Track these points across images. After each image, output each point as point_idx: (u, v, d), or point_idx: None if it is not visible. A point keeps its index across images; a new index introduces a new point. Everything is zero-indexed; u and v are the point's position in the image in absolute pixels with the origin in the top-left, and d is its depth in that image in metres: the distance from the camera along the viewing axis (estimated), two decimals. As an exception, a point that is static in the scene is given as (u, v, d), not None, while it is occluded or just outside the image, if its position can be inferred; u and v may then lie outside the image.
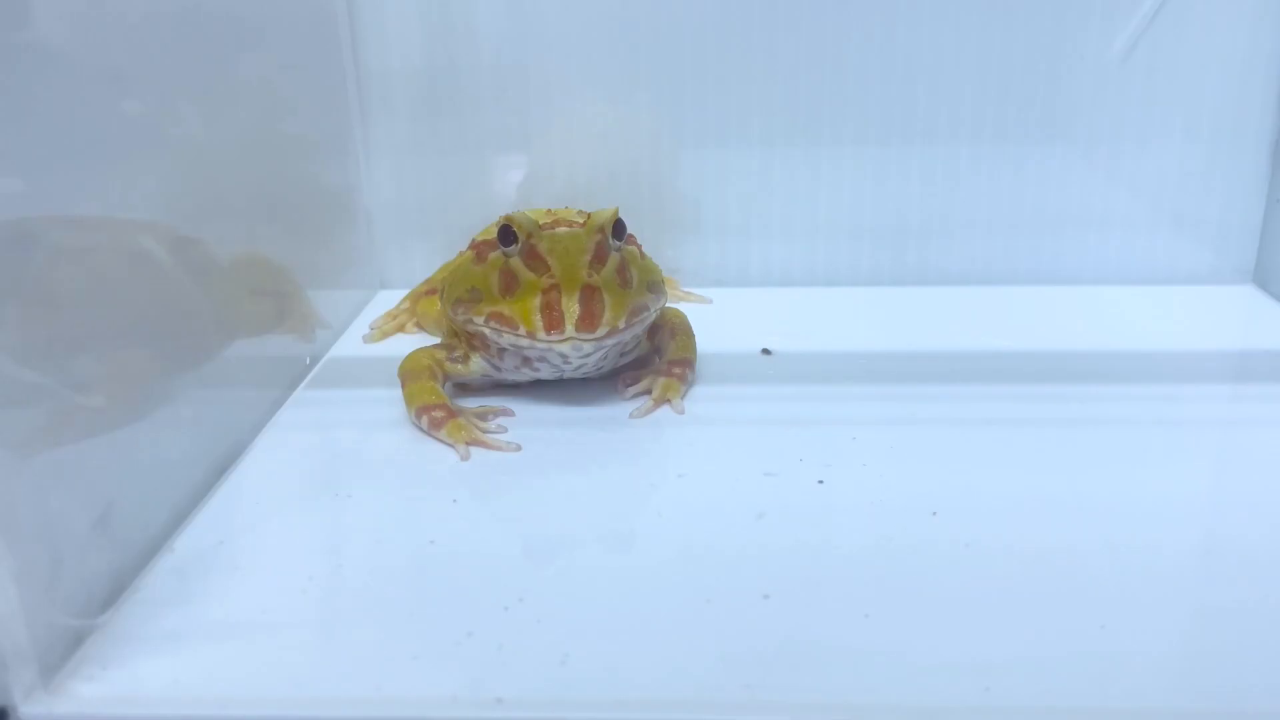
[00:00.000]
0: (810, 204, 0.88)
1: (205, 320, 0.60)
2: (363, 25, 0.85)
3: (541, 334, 0.60)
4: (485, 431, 0.63)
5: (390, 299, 0.87)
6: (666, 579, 0.48)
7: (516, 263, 0.62)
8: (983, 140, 0.86)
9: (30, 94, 0.45)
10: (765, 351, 0.76)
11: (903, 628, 0.44)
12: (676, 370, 0.69)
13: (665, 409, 0.66)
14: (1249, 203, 0.87)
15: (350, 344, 0.81)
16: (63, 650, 0.44)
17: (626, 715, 0.40)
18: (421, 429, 0.64)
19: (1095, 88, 0.84)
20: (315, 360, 0.76)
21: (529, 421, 0.65)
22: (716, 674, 0.42)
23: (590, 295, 0.60)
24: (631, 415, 0.66)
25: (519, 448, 0.62)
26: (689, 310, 0.79)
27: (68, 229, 0.48)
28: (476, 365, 0.67)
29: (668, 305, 0.73)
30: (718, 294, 0.89)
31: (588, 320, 0.60)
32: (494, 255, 0.63)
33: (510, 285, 0.62)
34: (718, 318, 0.83)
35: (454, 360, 0.67)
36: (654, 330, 0.71)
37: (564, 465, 0.60)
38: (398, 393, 0.66)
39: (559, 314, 0.60)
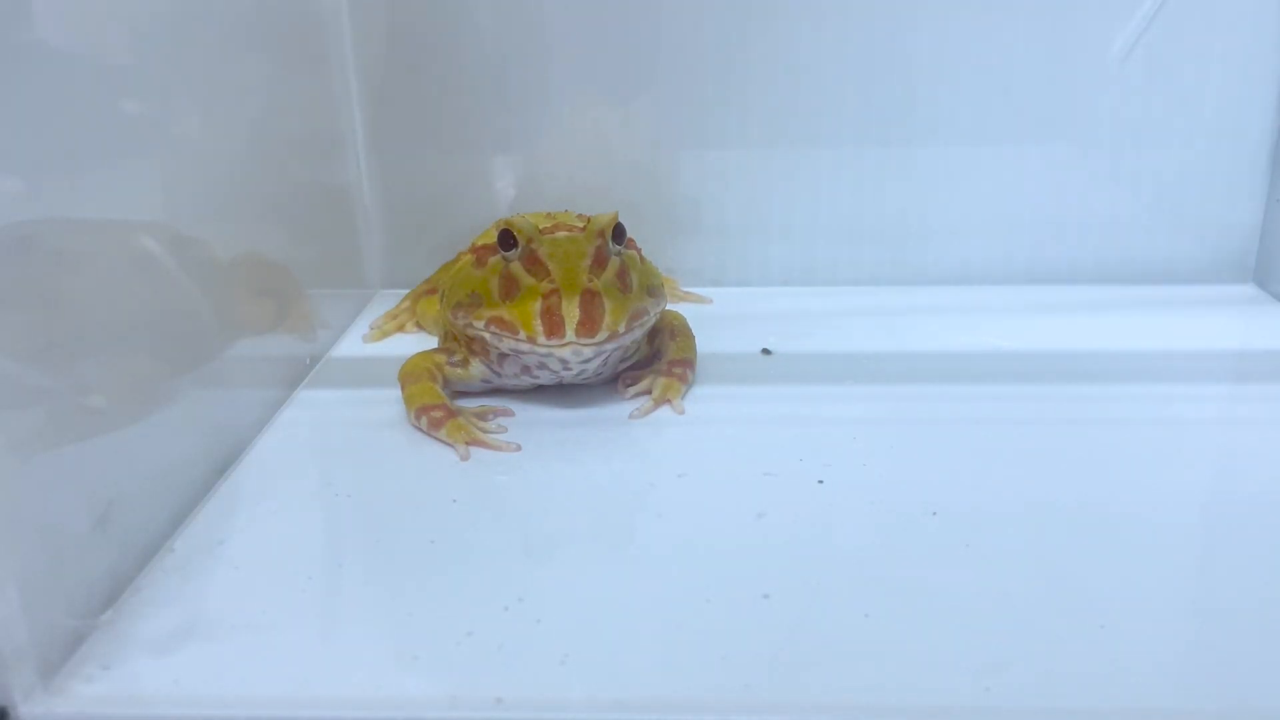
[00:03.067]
0: (810, 204, 0.88)
1: (206, 320, 0.60)
2: (363, 25, 0.85)
3: (542, 338, 0.60)
4: (485, 431, 0.63)
5: (390, 299, 0.87)
6: (666, 579, 0.48)
7: (517, 267, 0.62)
8: (982, 140, 0.86)
9: (30, 94, 0.45)
10: (765, 351, 0.76)
11: (903, 628, 0.44)
12: (677, 370, 0.69)
13: (665, 409, 0.66)
14: (1249, 203, 0.87)
15: (350, 344, 0.81)
16: (63, 650, 0.44)
17: (626, 715, 0.40)
18: (421, 430, 0.64)
19: (1095, 88, 0.84)
20: (315, 360, 0.76)
21: (528, 422, 0.65)
22: (716, 674, 0.42)
23: (590, 300, 0.60)
24: (631, 416, 0.66)
25: (518, 447, 0.62)
26: (689, 310, 0.79)
27: (68, 231, 0.48)
28: (476, 370, 0.67)
29: (667, 307, 0.73)
30: (718, 294, 0.89)
31: (588, 325, 0.60)
32: (494, 260, 0.63)
33: (510, 290, 0.62)
34: (718, 318, 0.83)
35: (453, 364, 0.67)
36: (654, 333, 0.71)
37: (564, 465, 0.60)
38: (398, 393, 0.66)
39: (559, 318, 0.60)
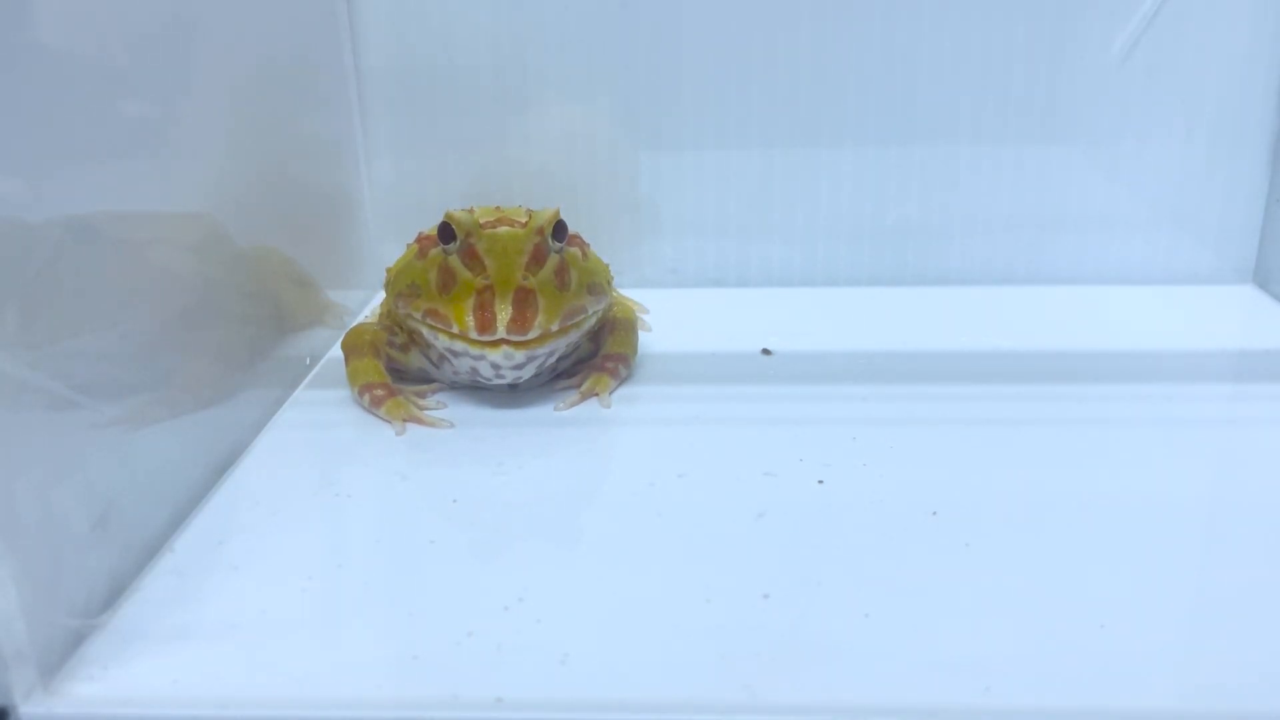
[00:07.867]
0: (810, 204, 0.88)
1: (207, 318, 0.60)
2: (363, 25, 0.85)
3: (474, 333, 0.60)
4: (423, 409, 0.65)
5: (390, 299, 0.87)
6: (666, 579, 0.48)
7: (454, 261, 0.62)
8: (983, 140, 0.86)
9: (30, 94, 0.45)
10: (765, 351, 0.76)
11: (903, 628, 0.44)
12: (609, 365, 0.69)
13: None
14: (1249, 203, 0.87)
15: (350, 344, 0.81)
16: (63, 650, 0.44)
17: (626, 715, 0.40)
18: (364, 407, 0.66)
19: (1095, 88, 0.84)
20: (315, 360, 0.76)
21: (527, 422, 0.65)
22: (716, 674, 0.42)
23: (524, 297, 0.60)
24: (556, 408, 0.66)
25: (453, 425, 0.63)
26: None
27: (71, 228, 0.48)
28: (415, 359, 0.69)
29: (629, 300, 0.73)
30: (718, 294, 0.89)
31: (519, 322, 0.60)
32: (434, 252, 0.64)
33: (447, 283, 0.62)
34: (718, 318, 0.83)
35: (394, 345, 0.69)
36: (599, 328, 0.71)
37: (563, 465, 0.60)
38: (398, 393, 0.66)
39: (491, 314, 0.60)
